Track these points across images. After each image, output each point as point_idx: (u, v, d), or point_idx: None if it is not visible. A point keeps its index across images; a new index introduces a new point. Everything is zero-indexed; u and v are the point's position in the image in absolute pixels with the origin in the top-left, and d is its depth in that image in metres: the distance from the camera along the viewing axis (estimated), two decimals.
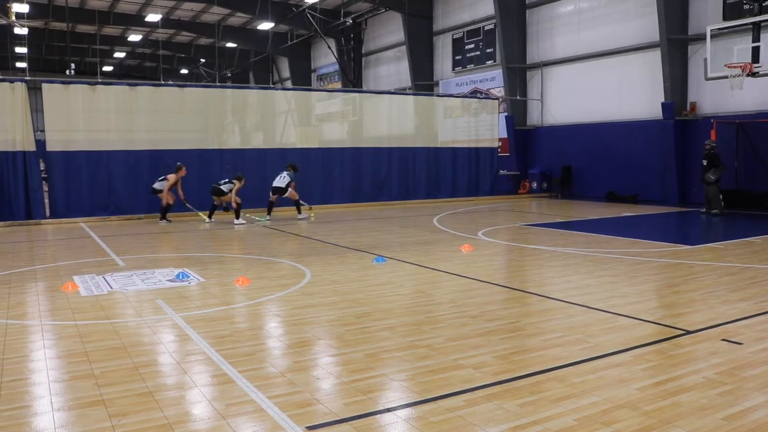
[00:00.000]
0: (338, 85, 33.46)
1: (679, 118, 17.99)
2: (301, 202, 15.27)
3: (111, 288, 7.21)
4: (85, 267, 8.68)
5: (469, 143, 21.49)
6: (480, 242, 10.88)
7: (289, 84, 37.36)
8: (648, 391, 3.95)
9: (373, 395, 3.94)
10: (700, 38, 16.64)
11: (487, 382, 4.11)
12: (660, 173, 18.69)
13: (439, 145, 20.91)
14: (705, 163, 14.96)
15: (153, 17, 30.20)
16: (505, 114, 23.32)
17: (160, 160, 15.81)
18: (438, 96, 22.72)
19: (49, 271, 8.40)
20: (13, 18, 24.25)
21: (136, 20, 31.58)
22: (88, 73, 38.27)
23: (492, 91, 24.34)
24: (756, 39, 14.36)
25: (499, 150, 22.39)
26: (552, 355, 4.71)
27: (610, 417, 3.57)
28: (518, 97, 22.89)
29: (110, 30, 34.79)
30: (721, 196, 15.02)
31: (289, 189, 14.76)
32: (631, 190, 19.27)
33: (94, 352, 4.84)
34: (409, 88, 27.40)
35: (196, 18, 32.81)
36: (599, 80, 20.64)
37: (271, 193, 14.93)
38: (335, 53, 31.79)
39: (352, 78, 31.85)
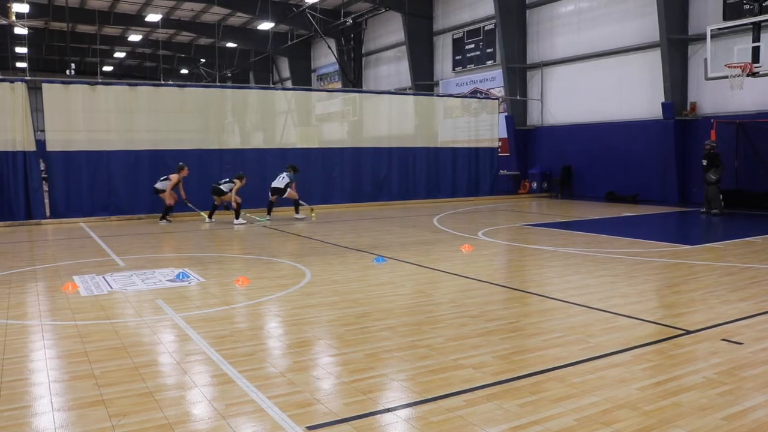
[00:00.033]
0: (338, 85, 33.46)
1: (679, 118, 17.99)
2: (301, 202, 15.27)
3: (111, 288, 7.22)
4: (85, 267, 8.68)
5: (469, 143, 21.50)
6: (480, 242, 10.88)
7: (289, 84, 37.37)
8: (648, 391, 3.95)
9: (373, 395, 3.94)
10: (700, 38, 16.64)
11: (487, 382, 4.11)
12: (660, 173, 18.69)
13: (439, 145, 20.91)
14: (705, 163, 14.96)
15: (153, 17, 30.21)
16: (505, 114, 23.32)
17: (160, 160, 15.81)
18: (438, 96, 22.72)
19: (49, 271, 8.40)
20: (13, 18, 24.24)
21: (136, 20, 31.59)
22: (88, 73, 38.28)
23: (492, 91, 24.34)
24: (756, 39, 14.36)
25: (499, 150, 22.40)
26: (552, 355, 4.71)
27: (610, 417, 3.57)
28: (518, 97, 22.89)
29: (110, 30, 34.80)
30: (721, 196, 15.02)
31: (288, 190, 14.75)
32: (631, 190, 19.27)
33: (94, 352, 4.84)
34: (409, 88, 27.40)
35: (196, 18, 32.81)
36: (599, 80, 20.64)
37: (270, 194, 14.94)
38: (335, 53, 31.79)
39: (352, 78, 31.85)
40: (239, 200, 14.36)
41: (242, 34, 35.14)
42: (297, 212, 15.13)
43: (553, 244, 10.53)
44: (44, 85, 15.08)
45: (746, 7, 15.93)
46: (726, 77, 14.54)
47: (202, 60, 41.96)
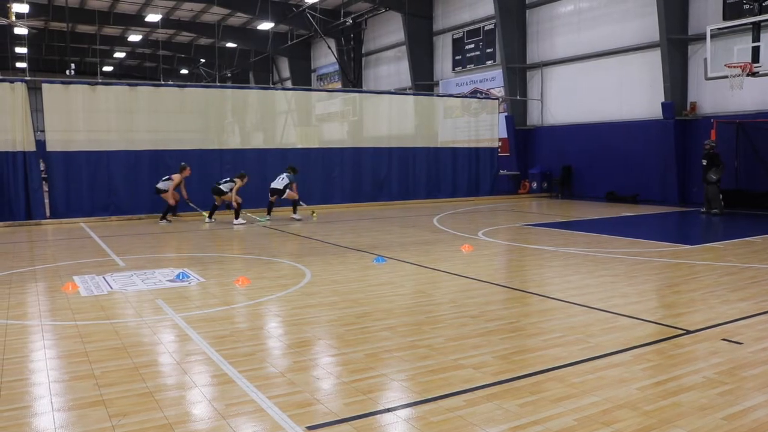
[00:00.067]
0: (338, 85, 33.46)
1: (679, 118, 17.99)
2: (301, 203, 15.26)
3: (111, 288, 7.22)
4: (86, 267, 8.68)
5: (469, 143, 21.50)
6: (480, 242, 10.88)
7: (289, 84, 37.37)
8: (648, 391, 3.95)
9: (373, 395, 3.94)
10: (700, 38, 16.64)
11: (487, 382, 4.11)
12: (660, 173, 18.69)
13: (439, 145, 20.91)
14: (705, 163, 14.96)
15: (153, 17, 30.20)
16: (505, 114, 23.32)
17: (160, 161, 15.82)
18: (438, 96, 22.72)
19: (50, 272, 8.40)
20: (13, 18, 24.24)
21: (136, 20, 31.59)
22: (88, 73, 38.29)
23: (492, 91, 24.34)
24: (756, 39, 14.37)
25: (499, 150, 22.40)
26: (552, 355, 4.71)
27: (610, 417, 3.57)
28: (518, 97, 22.89)
29: (110, 30, 34.80)
30: (721, 196, 15.02)
31: (287, 191, 14.74)
32: (631, 190, 19.27)
33: (94, 352, 4.84)
34: (409, 88, 27.40)
35: (196, 18, 32.81)
36: (599, 80, 20.64)
37: (269, 194, 14.94)
38: (335, 53, 31.79)
39: (352, 78, 31.85)
40: (240, 200, 14.36)
41: (242, 34, 35.14)
42: (294, 212, 15.11)
43: (553, 244, 10.53)
44: (44, 86, 15.08)
45: (746, 7, 15.93)
46: (726, 77, 14.55)
47: (202, 60, 41.96)
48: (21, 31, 29.12)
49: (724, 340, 5.02)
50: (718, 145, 15.27)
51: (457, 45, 26.31)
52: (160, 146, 16.04)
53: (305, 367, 4.50)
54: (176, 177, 14.52)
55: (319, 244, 10.92)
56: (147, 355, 4.79)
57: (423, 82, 27.45)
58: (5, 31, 29.82)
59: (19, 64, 40.89)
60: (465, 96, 23.75)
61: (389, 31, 29.88)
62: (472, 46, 25.55)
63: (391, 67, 30.48)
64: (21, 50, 35.71)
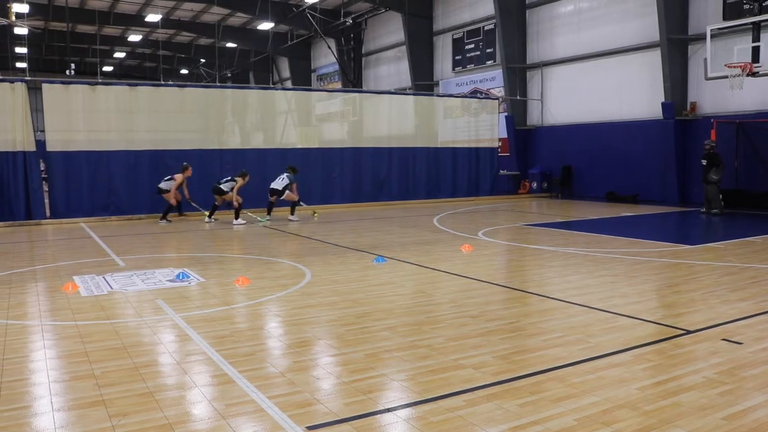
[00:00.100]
0: (338, 85, 33.46)
1: (679, 118, 17.99)
2: (301, 203, 15.25)
3: (111, 288, 7.22)
4: (86, 267, 8.68)
5: (469, 143, 21.50)
6: (480, 242, 10.88)
7: (289, 84, 37.37)
8: (648, 391, 3.95)
9: (373, 395, 3.94)
10: (700, 38, 16.64)
11: (487, 382, 4.11)
12: (660, 173, 18.69)
13: (439, 145, 20.91)
14: (705, 163, 14.96)
15: (153, 17, 30.21)
16: (505, 114, 23.32)
17: (160, 161, 15.82)
18: (438, 96, 22.72)
19: (50, 272, 8.40)
20: (13, 18, 24.24)
21: (136, 20, 31.59)
22: (88, 73, 38.30)
23: (492, 91, 24.34)
24: (756, 39, 14.37)
25: (499, 150, 22.40)
26: (552, 355, 4.71)
27: (610, 417, 3.57)
28: (518, 97, 22.89)
29: (110, 30, 34.80)
30: (720, 196, 15.02)
31: (287, 191, 14.72)
32: (631, 190, 19.27)
33: (94, 352, 4.84)
34: (409, 88, 27.40)
35: (196, 18, 32.82)
36: (599, 80, 20.64)
37: (269, 194, 14.93)
38: (335, 53, 31.80)
39: (352, 78, 31.85)
40: (240, 200, 14.36)
41: (242, 34, 35.14)
42: (292, 213, 15.08)
43: (553, 244, 10.53)
44: (44, 86, 15.08)
45: (746, 7, 15.93)
46: (726, 77, 14.55)
47: (202, 60, 41.97)
48: (21, 31, 29.10)
49: (724, 340, 5.02)
50: (718, 145, 15.27)
51: (457, 45, 26.31)
52: (160, 146, 16.04)
53: (305, 367, 4.51)
54: (178, 177, 14.54)
55: (319, 244, 10.92)
56: (147, 355, 4.79)
57: (423, 82, 27.45)
58: (5, 31, 29.80)
59: (19, 64, 40.90)
60: (465, 96, 23.75)
61: (389, 31, 29.88)
62: (472, 46, 25.55)
63: (391, 67, 30.48)
64: (21, 50, 35.72)
